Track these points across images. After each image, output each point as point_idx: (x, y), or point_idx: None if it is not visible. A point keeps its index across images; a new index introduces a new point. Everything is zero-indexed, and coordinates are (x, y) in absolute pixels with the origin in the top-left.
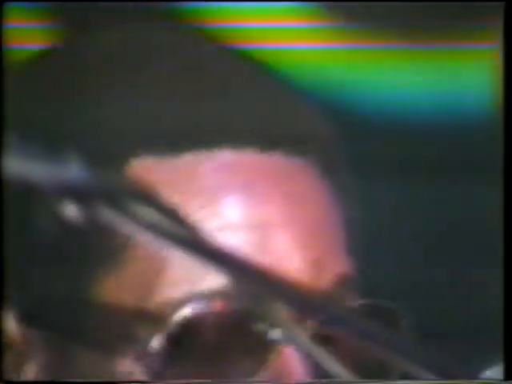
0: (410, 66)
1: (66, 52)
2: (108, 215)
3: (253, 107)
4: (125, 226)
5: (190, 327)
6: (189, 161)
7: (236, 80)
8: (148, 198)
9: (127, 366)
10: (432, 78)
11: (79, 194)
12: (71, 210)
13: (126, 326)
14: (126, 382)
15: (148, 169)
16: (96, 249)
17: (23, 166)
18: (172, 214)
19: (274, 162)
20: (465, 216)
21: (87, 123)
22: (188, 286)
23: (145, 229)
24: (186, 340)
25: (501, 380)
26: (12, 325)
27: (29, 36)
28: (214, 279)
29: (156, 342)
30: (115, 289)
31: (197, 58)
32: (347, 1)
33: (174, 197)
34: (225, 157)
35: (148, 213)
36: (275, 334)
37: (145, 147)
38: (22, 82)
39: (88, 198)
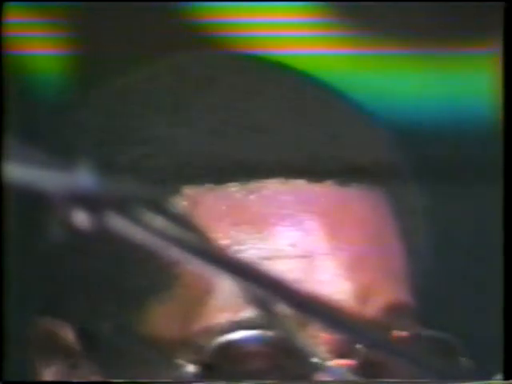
0: (411, 72)
1: (118, 84)
2: (118, 223)
3: (304, 139)
4: (135, 234)
5: (226, 354)
6: (238, 190)
7: (287, 112)
8: (158, 205)
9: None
10: (433, 82)
11: (89, 202)
12: (81, 218)
13: (165, 350)
14: (127, 381)
15: (198, 198)
16: (143, 277)
17: (35, 175)
18: (182, 221)
19: (324, 191)
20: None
21: (139, 154)
22: (229, 315)
23: (155, 236)
24: (222, 367)
25: (501, 380)
26: (70, 337)
27: (29, 37)
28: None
29: (191, 368)
30: (158, 315)
31: (247, 89)
32: (350, 0)
33: (223, 225)
34: (272, 188)
35: (158, 220)
36: (315, 361)
37: (196, 177)
38: (76, 118)
39: (98, 206)
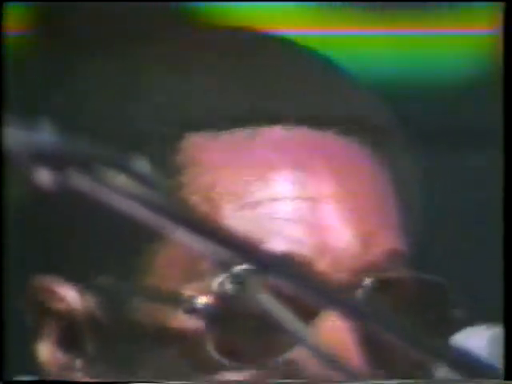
0: (406, 51)
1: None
2: (81, 181)
3: (306, 91)
4: (97, 192)
5: (232, 286)
6: (241, 137)
7: (289, 65)
8: (120, 163)
9: (178, 320)
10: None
11: (52, 161)
12: (44, 176)
13: (175, 287)
14: (126, 382)
15: (201, 146)
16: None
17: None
18: (145, 179)
19: (325, 140)
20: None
21: (144, 105)
22: None
23: (117, 194)
24: (230, 300)
25: (501, 380)
26: (74, 295)
27: (29, 36)
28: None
29: (202, 300)
30: (161, 260)
31: (250, 46)
32: None
33: (226, 170)
34: (276, 134)
35: (120, 179)
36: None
37: (197, 125)
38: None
39: (60, 164)
